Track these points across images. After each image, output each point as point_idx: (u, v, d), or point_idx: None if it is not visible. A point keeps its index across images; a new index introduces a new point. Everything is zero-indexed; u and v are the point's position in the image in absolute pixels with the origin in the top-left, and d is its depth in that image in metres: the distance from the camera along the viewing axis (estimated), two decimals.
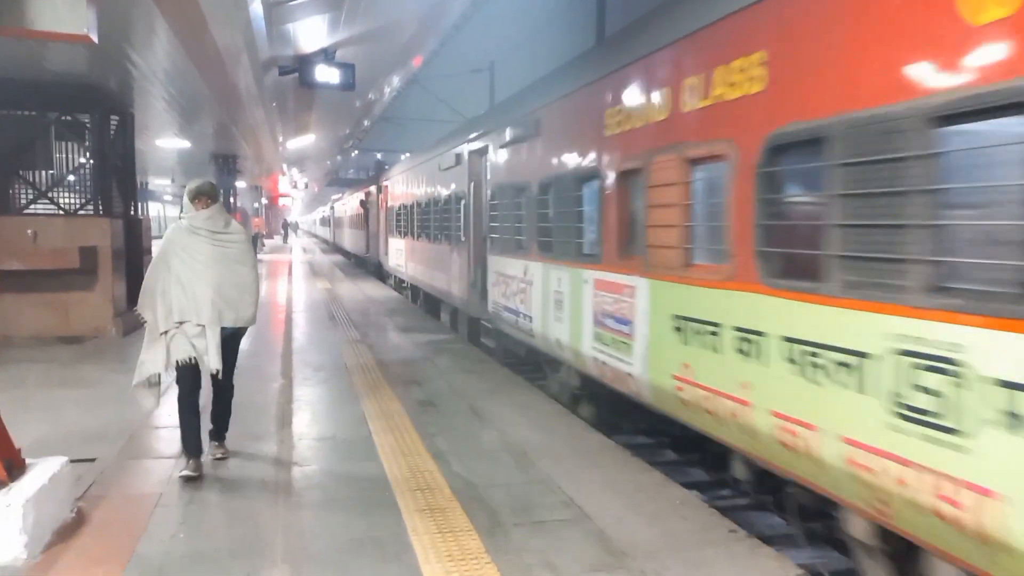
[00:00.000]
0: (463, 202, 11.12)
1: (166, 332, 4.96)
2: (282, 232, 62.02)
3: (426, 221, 14.05)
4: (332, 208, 47.94)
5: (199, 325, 4.95)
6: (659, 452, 7.25)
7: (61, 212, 11.26)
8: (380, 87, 21.92)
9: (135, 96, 11.78)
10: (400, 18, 13.92)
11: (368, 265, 26.40)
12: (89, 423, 6.35)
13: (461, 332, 12.03)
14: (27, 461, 4.16)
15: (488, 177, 10.03)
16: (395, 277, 19.80)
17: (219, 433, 5.51)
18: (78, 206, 11.38)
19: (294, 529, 4.21)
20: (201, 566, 3.74)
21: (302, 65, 11.76)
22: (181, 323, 4.95)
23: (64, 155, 11.55)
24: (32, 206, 11.16)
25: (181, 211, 5.60)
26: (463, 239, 11.06)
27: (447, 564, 3.76)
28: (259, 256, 33.47)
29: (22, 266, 9.76)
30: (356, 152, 48.52)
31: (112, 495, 4.67)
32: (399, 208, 17.81)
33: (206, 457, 5.25)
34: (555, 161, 7.48)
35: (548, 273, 7.59)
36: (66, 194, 11.60)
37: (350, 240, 34.09)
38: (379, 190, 21.90)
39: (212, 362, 4.99)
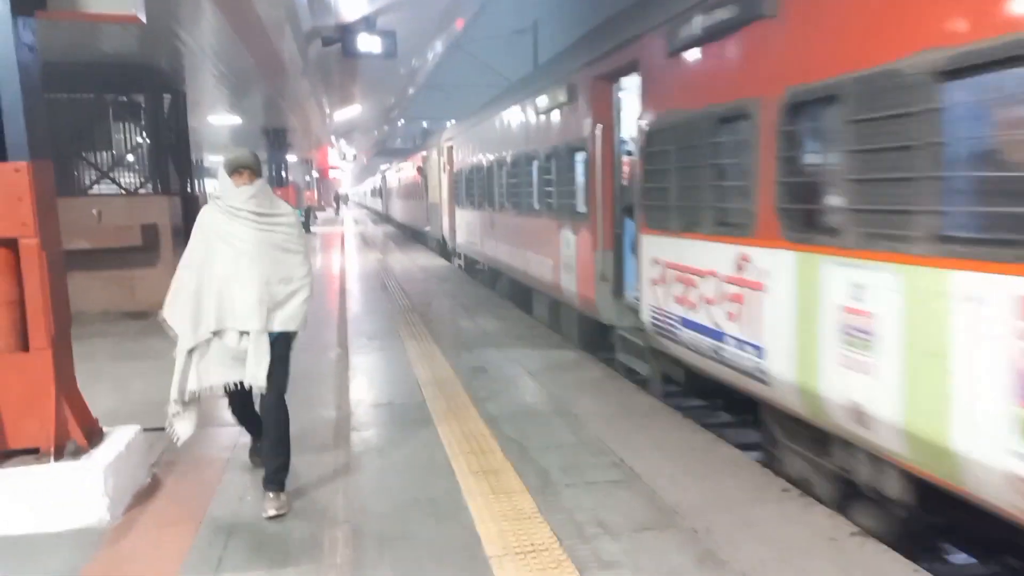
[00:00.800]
0: (580, 157, 7.93)
1: (194, 348, 4.08)
2: (334, 205, 62.90)
3: (515, 187, 10.75)
4: (383, 178, 44.16)
5: (243, 333, 4.03)
6: (712, 414, 7.22)
7: (122, 192, 11.67)
8: (423, 54, 21.87)
9: (185, 74, 12.05)
10: None
11: (428, 241, 22.86)
12: (156, 393, 6.58)
13: (568, 335, 9.08)
14: (104, 429, 4.41)
15: (639, 112, 6.33)
16: (464, 257, 16.50)
17: (274, 477, 4.15)
18: (138, 185, 11.77)
19: (354, 490, 4.37)
20: (269, 525, 3.93)
21: (344, 35, 11.78)
22: (218, 332, 4.05)
23: (122, 136, 11.93)
24: (95, 187, 11.59)
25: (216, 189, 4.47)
26: (581, 210, 7.94)
27: (501, 524, 3.86)
28: (312, 229, 34.10)
29: (89, 245, 10.16)
30: (402, 121, 48.71)
31: (183, 461, 4.92)
32: (471, 172, 14.24)
33: (260, 513, 4.05)
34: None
35: (825, 274, 3.94)
36: (126, 174, 11.99)
37: (406, 212, 30.04)
38: (441, 152, 18.54)
39: (258, 376, 4.03)
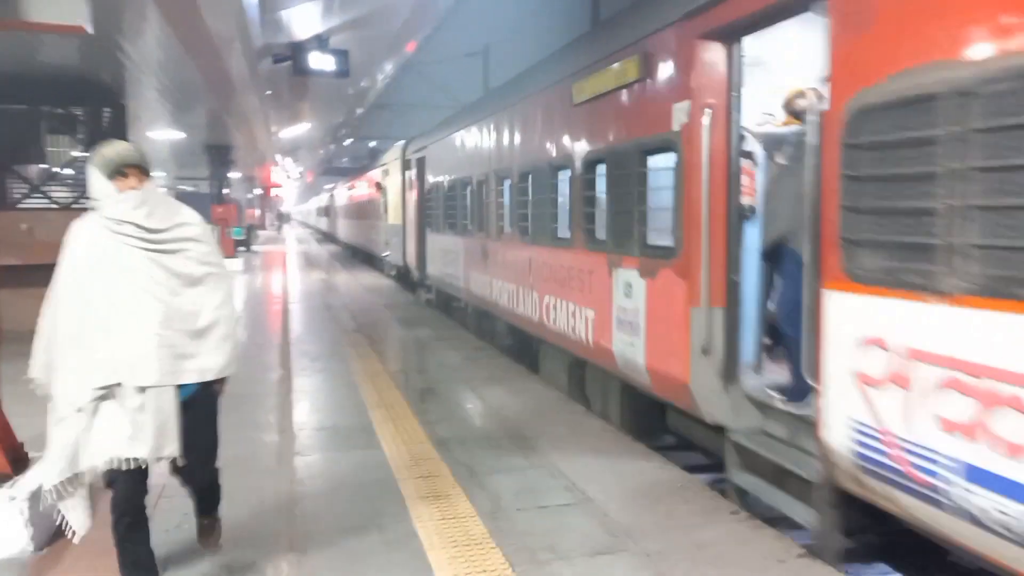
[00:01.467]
0: (662, 161, 5.37)
1: (77, 413, 3.01)
2: (276, 223, 61.83)
3: (525, 207, 8.08)
4: (332, 196, 40.93)
5: (141, 389, 3.00)
6: (658, 437, 7.28)
7: (55, 206, 11.21)
8: (374, 74, 21.79)
9: (127, 87, 11.71)
10: (394, 2, 13.81)
11: (384, 268, 20.34)
12: None
13: (603, 408, 6.75)
14: (29, 455, 4.17)
15: (828, 74, 3.74)
16: (437, 291, 13.66)
17: (206, 504, 3.65)
18: (72, 200, 11.32)
19: (298, 517, 4.23)
20: (206, 555, 3.76)
21: (295, 52, 11.67)
22: (107, 388, 3.00)
23: (57, 149, 11.49)
24: (26, 201, 11.10)
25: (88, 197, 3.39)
26: (662, 243, 5.36)
27: (452, 550, 3.79)
28: (253, 247, 33.42)
29: (18, 261, 9.72)
30: (350, 140, 48.34)
31: None
32: (452, 188, 11.44)
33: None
34: None
35: None
36: (59, 188, 11.54)
37: (358, 235, 26.71)
38: (408, 166, 15.43)
39: (167, 446, 3.05)
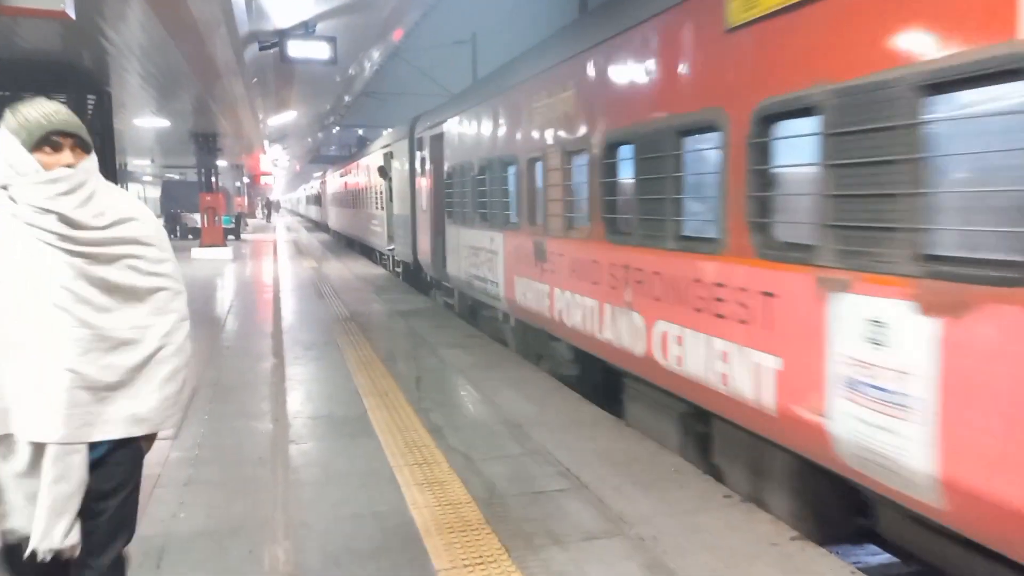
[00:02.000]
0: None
1: None
2: (264, 212, 61.46)
3: (637, 191, 5.40)
4: (324, 183, 38.26)
5: (36, 446, 2.17)
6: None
7: None
8: (361, 61, 21.62)
9: (111, 73, 11.58)
10: None
11: (391, 266, 18.17)
12: None
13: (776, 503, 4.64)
14: None
15: None
16: (461, 295, 11.55)
17: None
18: None
19: (294, 505, 4.23)
20: (203, 544, 3.75)
21: (282, 39, 11.55)
22: None
23: None
24: None
25: None
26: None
27: (448, 536, 3.80)
28: (242, 236, 33.24)
29: None
30: (337, 128, 48.02)
31: None
32: (489, 170, 8.88)
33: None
34: None
35: None
36: None
37: (354, 225, 24.48)
38: (420, 145, 13.01)
39: (60, 532, 2.16)
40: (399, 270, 16.95)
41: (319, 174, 44.84)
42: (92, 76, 11.33)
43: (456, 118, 10.50)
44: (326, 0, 12.34)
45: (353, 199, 24.33)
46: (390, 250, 17.07)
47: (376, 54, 21.78)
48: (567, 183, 6.67)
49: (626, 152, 5.55)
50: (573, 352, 7.13)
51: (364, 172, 21.11)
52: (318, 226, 44.64)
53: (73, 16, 4.36)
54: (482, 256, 9.36)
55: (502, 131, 8.40)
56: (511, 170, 8.15)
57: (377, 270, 18.45)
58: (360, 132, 48.36)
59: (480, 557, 3.58)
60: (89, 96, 11.46)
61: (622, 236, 5.59)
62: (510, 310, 8.63)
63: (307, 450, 5.19)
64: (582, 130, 6.26)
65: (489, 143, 8.89)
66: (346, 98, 30.41)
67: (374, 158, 18.77)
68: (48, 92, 10.83)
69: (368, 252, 22.51)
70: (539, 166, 7.35)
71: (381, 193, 17.71)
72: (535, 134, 7.37)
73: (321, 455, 5.09)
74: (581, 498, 4.28)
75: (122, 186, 15.25)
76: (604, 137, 5.83)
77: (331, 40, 12.13)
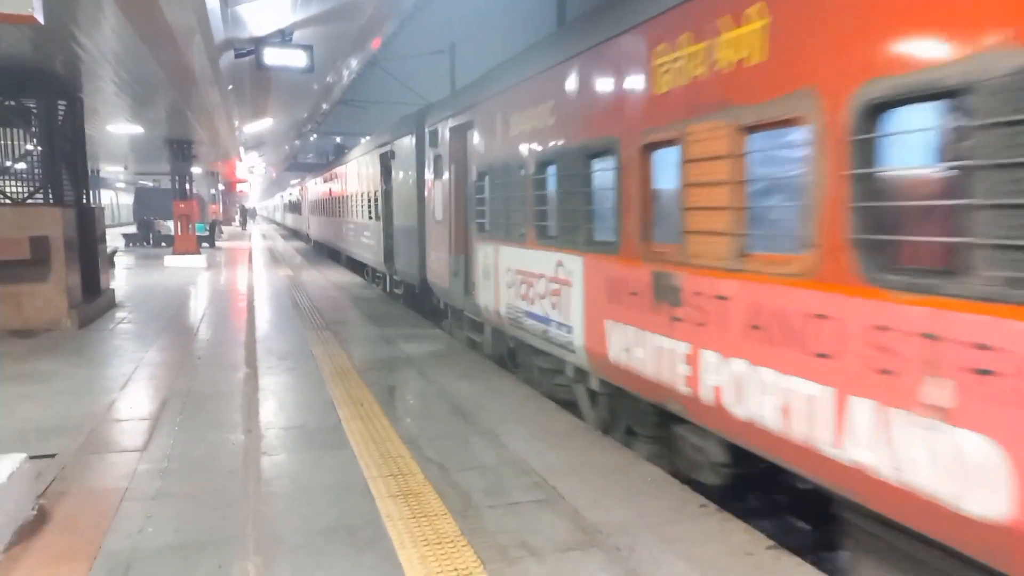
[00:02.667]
0: None
1: None
2: (239, 219, 60.87)
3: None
4: (303, 189, 35.78)
5: None
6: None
7: (8, 201, 10.87)
8: (339, 69, 21.52)
9: (84, 80, 11.40)
10: None
11: (388, 286, 15.57)
12: (46, 418, 6.17)
13: None
14: None
15: None
16: (494, 334, 8.81)
17: None
18: (27, 195, 11.00)
19: (265, 519, 4.15)
20: (171, 559, 3.67)
21: (258, 47, 11.46)
22: None
23: (9, 142, 11.15)
24: None
25: None
26: None
27: (423, 549, 3.75)
28: (217, 243, 32.88)
29: None
30: (315, 136, 47.77)
31: (75, 491, 4.55)
32: (560, 167, 6.45)
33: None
34: None
35: None
36: (13, 183, 11.20)
37: (339, 236, 22.09)
38: (431, 141, 10.73)
39: None
40: (399, 291, 14.31)
41: (296, 181, 44.46)
42: (64, 82, 11.14)
43: (496, 100, 7.86)
44: (303, 8, 12.26)
45: (339, 207, 21.88)
46: (387, 268, 14.28)
47: (354, 63, 21.68)
48: (758, 178, 4.02)
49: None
50: (722, 444, 4.63)
51: (354, 177, 18.71)
52: (297, 235, 43.50)
53: (42, 20, 4.27)
54: (540, 286, 6.85)
55: (588, 106, 5.81)
56: (603, 164, 5.70)
57: (354, 278, 18.28)
58: (338, 140, 48.20)
59: (455, 570, 3.54)
60: (60, 102, 11.27)
61: (936, 281, 2.94)
62: (594, 367, 6.00)
63: (279, 462, 5.11)
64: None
65: (559, 126, 6.33)
66: (324, 106, 30.23)
67: (367, 160, 16.39)
68: (16, 97, 10.70)
69: (356, 266, 20.26)
70: (672, 154, 4.70)
71: (375, 200, 15.37)
72: (662, 102, 4.74)
73: (294, 467, 5.01)
74: (557, 509, 4.25)
75: (95, 192, 14.70)
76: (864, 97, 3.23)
77: (308, 48, 12.05)
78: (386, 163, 14.16)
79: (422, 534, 3.93)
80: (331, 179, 24.06)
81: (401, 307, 13.18)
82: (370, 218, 16.28)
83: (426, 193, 11.32)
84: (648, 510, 4.25)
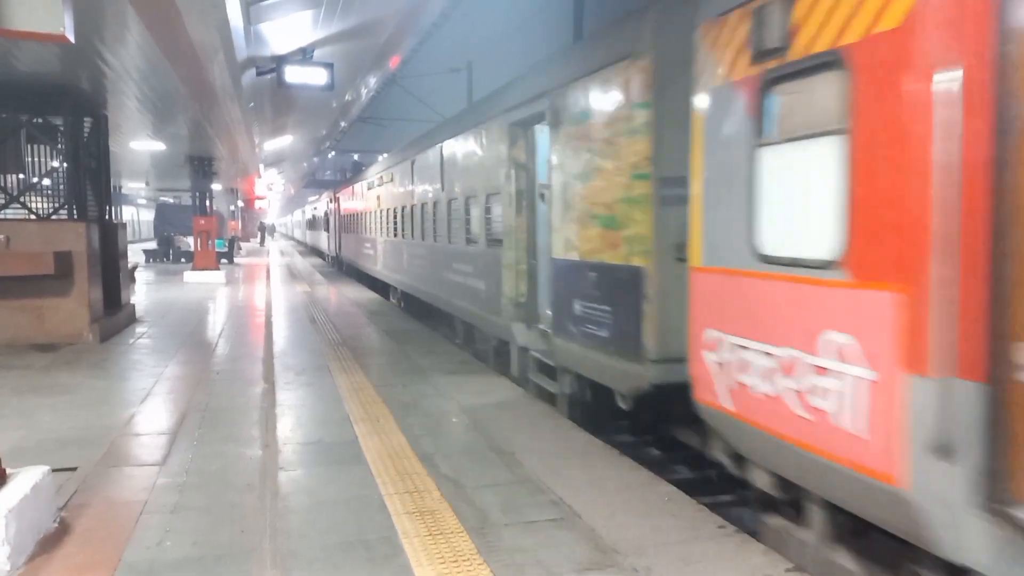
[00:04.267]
0: None
1: None
2: (258, 235, 61.44)
3: None
4: (335, 200, 28.28)
5: None
6: (643, 450, 7.28)
7: (34, 217, 11.06)
8: (357, 87, 21.78)
9: (108, 96, 11.61)
10: (378, 16, 13.83)
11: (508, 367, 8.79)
12: (67, 430, 6.24)
13: None
14: (7, 471, 4.08)
15: None
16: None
17: None
18: (51, 210, 11.18)
19: (282, 533, 4.16)
20: (190, 572, 3.68)
21: (280, 65, 11.64)
22: None
23: (35, 158, 11.36)
24: (3, 211, 10.95)
25: None
26: None
27: (439, 567, 3.74)
28: (235, 260, 33.21)
29: None
30: (333, 153, 48.26)
31: (96, 503, 4.59)
32: None
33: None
34: None
35: None
36: (38, 198, 11.40)
37: (402, 266, 15.16)
38: (561, 115, 6.78)
39: None
40: (551, 388, 7.51)
41: (314, 198, 44.54)
42: (89, 99, 11.36)
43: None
44: (324, 26, 12.46)
45: (396, 223, 15.49)
46: (516, 331, 8.28)
47: (372, 80, 21.95)
48: None
49: None
50: None
51: (420, 179, 12.94)
52: (321, 256, 37.50)
53: (72, 40, 4.37)
54: None
55: None
56: None
57: (370, 295, 18.30)
58: (355, 157, 48.64)
59: None
60: (86, 119, 11.48)
61: None
62: None
63: (296, 477, 5.13)
64: None
65: None
66: (342, 123, 30.58)
67: (469, 143, 9.95)
68: (45, 114, 10.91)
69: (427, 311, 13.74)
70: None
71: (489, 209, 9.18)
72: None
73: (311, 482, 5.02)
74: (574, 528, 4.23)
75: (117, 208, 14.69)
76: None
77: (328, 66, 12.22)
78: (522, 140, 8.18)
79: (438, 551, 3.92)
80: (376, 185, 17.92)
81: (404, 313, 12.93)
82: (469, 242, 10.02)
83: (549, 205, 7.33)
84: (665, 530, 4.21)
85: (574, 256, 6.58)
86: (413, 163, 13.69)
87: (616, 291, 5.86)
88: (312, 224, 42.01)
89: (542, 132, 7.81)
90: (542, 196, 8.03)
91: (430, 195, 12.27)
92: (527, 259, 8.25)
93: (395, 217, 15.70)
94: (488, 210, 9.23)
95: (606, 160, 5.99)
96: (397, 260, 15.70)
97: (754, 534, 4.29)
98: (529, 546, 3.98)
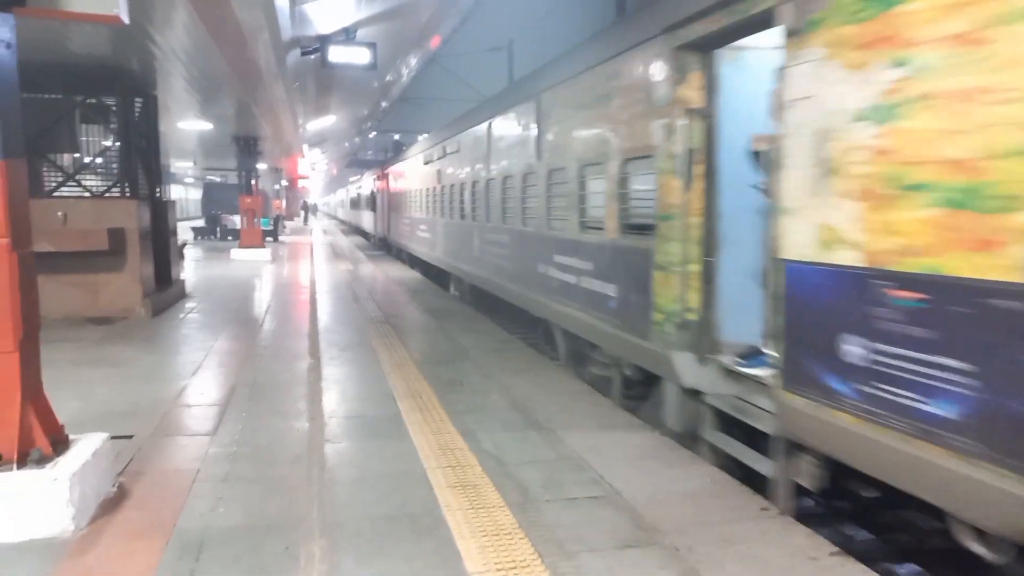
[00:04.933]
0: None
1: None
2: (302, 213, 62.36)
3: None
4: (385, 176, 26.16)
5: None
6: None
7: (88, 194, 11.40)
8: (399, 67, 21.83)
9: (157, 77, 11.85)
10: None
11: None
12: (120, 401, 6.46)
13: None
14: (70, 437, 4.25)
15: None
16: None
17: None
18: (105, 188, 11.51)
19: (329, 504, 4.27)
20: (241, 539, 3.81)
21: (323, 45, 11.73)
22: None
23: (89, 138, 11.68)
24: (60, 189, 11.31)
25: None
26: None
27: (481, 539, 3.80)
28: (280, 238, 33.78)
29: (52, 248, 9.88)
30: (374, 133, 48.55)
31: (151, 471, 4.76)
32: None
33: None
34: None
35: None
36: (92, 177, 11.73)
37: (491, 264, 11.16)
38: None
39: None
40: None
41: (356, 177, 44.72)
42: (139, 80, 11.61)
43: None
44: (367, 6, 12.50)
45: (463, 202, 13.09)
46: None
47: (414, 60, 21.98)
48: None
49: None
50: None
51: (528, 140, 9.19)
52: (365, 236, 36.09)
53: (127, 20, 4.46)
54: None
55: None
56: None
57: (412, 273, 18.42)
58: (396, 137, 48.89)
59: (513, 561, 3.58)
60: (136, 99, 11.76)
61: None
62: None
63: (342, 450, 5.24)
64: None
65: None
66: (383, 103, 30.72)
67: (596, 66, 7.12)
68: (97, 94, 11.20)
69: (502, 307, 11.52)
70: None
71: (620, 189, 6.56)
72: None
73: (356, 455, 5.13)
74: (615, 505, 4.25)
75: (165, 187, 14.87)
76: None
77: (371, 46, 12.28)
78: (697, 72, 5.53)
79: (480, 525, 3.98)
80: (442, 156, 15.04)
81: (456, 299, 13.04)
82: (585, 227, 7.40)
83: None
84: (707, 509, 4.21)
85: (849, 259, 3.73)
86: (490, 127, 11.12)
87: (986, 334, 3.02)
88: (356, 203, 39.88)
89: (734, 59, 5.41)
90: (755, 157, 5.40)
91: (517, 166, 9.67)
92: (701, 256, 5.52)
93: (460, 195, 13.28)
94: (624, 182, 6.46)
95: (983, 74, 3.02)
96: (463, 246, 13.19)
97: (798, 517, 4.26)
98: (570, 522, 4.02)
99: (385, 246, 27.07)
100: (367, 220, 33.19)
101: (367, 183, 33.30)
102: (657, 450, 5.23)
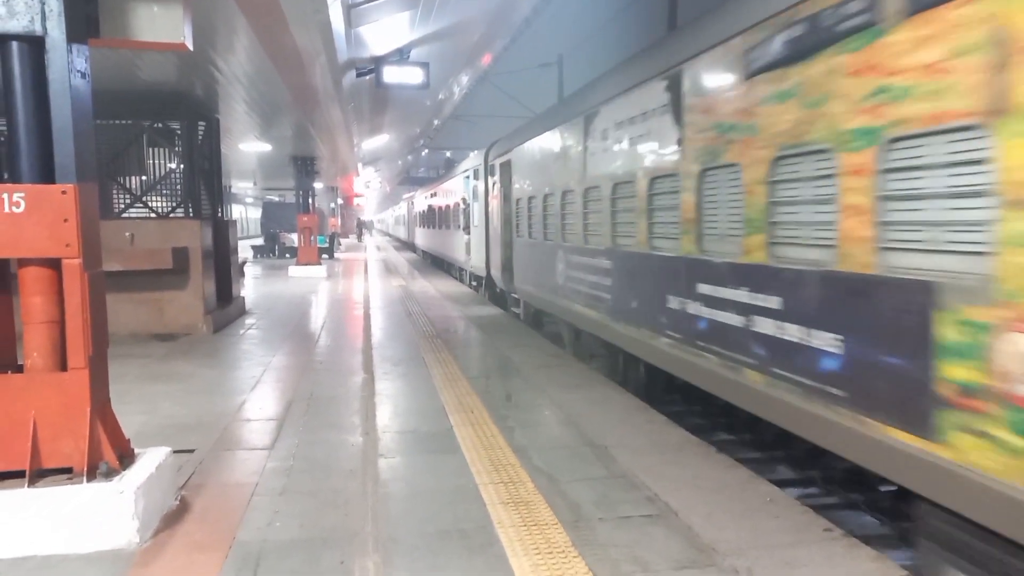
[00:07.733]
0: None
1: None
2: (356, 231, 63.61)
3: None
4: (479, 176, 16.17)
5: None
6: (741, 449, 7.08)
7: (154, 215, 11.85)
8: (450, 86, 22.13)
9: (219, 101, 12.30)
10: (472, 15, 14.01)
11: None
12: (183, 416, 6.66)
13: None
14: (135, 450, 4.40)
15: None
16: None
17: None
18: (169, 209, 11.95)
19: (383, 519, 4.30)
20: (298, 553, 3.87)
21: (378, 66, 11.98)
22: None
23: (154, 161, 12.17)
24: (128, 210, 11.80)
25: None
26: None
27: (534, 557, 3.77)
28: (336, 255, 34.46)
29: (121, 267, 10.30)
30: (426, 151, 49.31)
31: (211, 484, 4.88)
32: None
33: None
34: None
35: None
36: (157, 198, 12.21)
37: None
38: None
39: None
40: None
41: (408, 195, 45.25)
42: (202, 104, 12.08)
43: None
44: (420, 27, 12.73)
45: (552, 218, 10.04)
46: None
47: (465, 78, 22.26)
48: None
49: None
50: None
51: (667, 128, 6.32)
52: (424, 255, 32.15)
53: (191, 47, 4.65)
54: None
55: None
56: None
57: (462, 288, 18.54)
58: (447, 154, 49.53)
59: None
60: (200, 123, 12.21)
61: None
62: None
63: (395, 464, 5.28)
64: None
65: None
66: (435, 121, 31.15)
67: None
68: (163, 119, 11.66)
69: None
70: None
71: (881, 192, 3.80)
72: None
73: (408, 470, 5.16)
74: (670, 525, 4.17)
75: (227, 207, 15.44)
76: None
77: (424, 65, 12.50)
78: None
79: (533, 542, 3.95)
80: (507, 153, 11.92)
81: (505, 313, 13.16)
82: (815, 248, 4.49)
83: None
84: (766, 530, 4.08)
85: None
86: (589, 119, 8.24)
87: None
88: (422, 220, 30.81)
89: None
90: None
91: (640, 168, 6.99)
92: None
93: (547, 208, 10.13)
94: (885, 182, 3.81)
95: None
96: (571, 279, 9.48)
97: (862, 538, 4.10)
98: (624, 542, 3.96)
99: (439, 266, 20.87)
100: (451, 244, 22.54)
101: (457, 186, 20.97)
102: (713, 470, 5.12)
